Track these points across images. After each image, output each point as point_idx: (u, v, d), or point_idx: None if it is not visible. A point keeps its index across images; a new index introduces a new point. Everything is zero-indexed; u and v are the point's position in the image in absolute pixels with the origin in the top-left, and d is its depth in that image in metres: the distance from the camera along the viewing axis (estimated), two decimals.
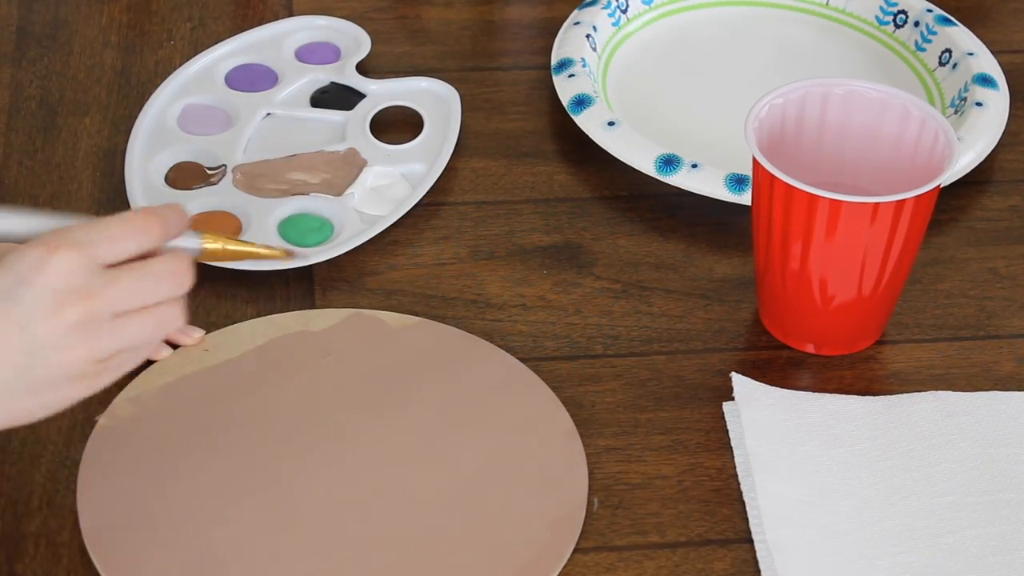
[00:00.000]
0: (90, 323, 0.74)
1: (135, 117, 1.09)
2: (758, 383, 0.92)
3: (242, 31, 1.17)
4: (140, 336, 0.76)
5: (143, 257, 0.77)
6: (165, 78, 1.13)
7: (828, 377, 0.95)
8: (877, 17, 1.18)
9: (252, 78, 1.14)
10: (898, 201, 0.88)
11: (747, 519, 0.86)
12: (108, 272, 0.75)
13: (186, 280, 0.77)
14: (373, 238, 1.01)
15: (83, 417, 0.90)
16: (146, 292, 0.76)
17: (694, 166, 1.04)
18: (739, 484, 0.88)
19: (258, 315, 0.96)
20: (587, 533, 0.86)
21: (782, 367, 0.95)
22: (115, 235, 0.75)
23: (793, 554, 0.84)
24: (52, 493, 0.86)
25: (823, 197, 0.88)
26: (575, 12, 1.17)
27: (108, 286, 0.74)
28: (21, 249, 0.74)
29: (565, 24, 1.17)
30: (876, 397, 0.92)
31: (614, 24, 1.17)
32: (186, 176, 1.06)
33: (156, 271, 0.76)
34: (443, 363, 0.94)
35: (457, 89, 1.12)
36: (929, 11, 1.16)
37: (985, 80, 1.10)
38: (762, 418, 0.90)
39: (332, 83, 1.13)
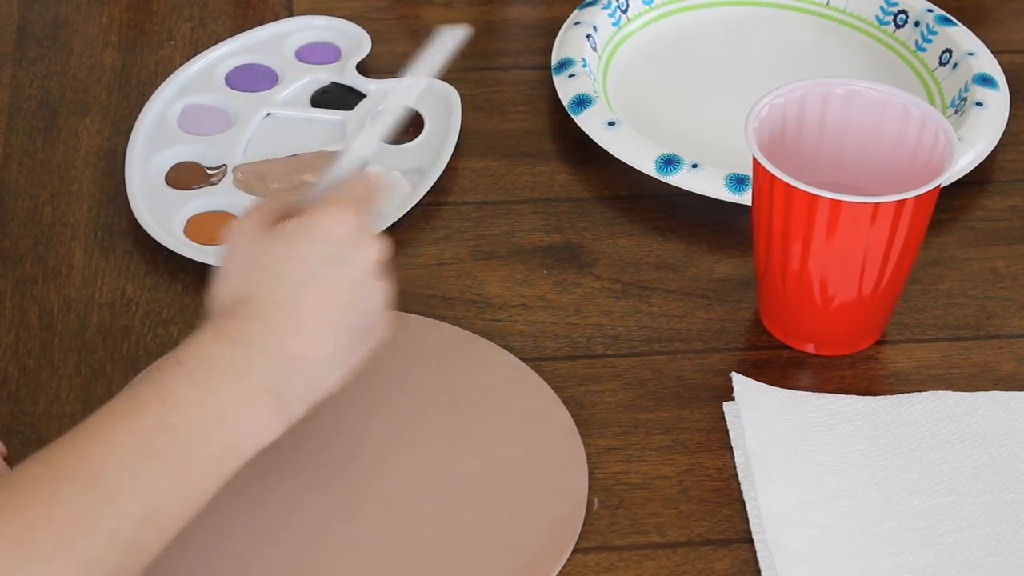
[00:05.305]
0: (382, 259, 0.80)
1: (135, 117, 1.09)
2: (758, 383, 0.92)
3: (242, 31, 1.17)
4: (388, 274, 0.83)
5: None
6: (165, 78, 1.13)
7: (828, 377, 0.95)
8: (877, 17, 1.18)
9: (252, 78, 1.14)
10: (898, 201, 0.88)
11: (747, 519, 0.86)
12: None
13: None
14: None
15: (83, 417, 0.90)
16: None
17: (694, 166, 1.04)
18: (739, 484, 0.88)
19: None
20: (587, 533, 0.86)
21: (782, 367, 0.95)
22: (363, 196, 0.82)
23: (793, 554, 0.84)
24: None
25: (823, 197, 0.88)
26: (575, 12, 1.17)
27: (378, 234, 0.81)
28: (310, 220, 0.79)
29: (565, 24, 1.17)
30: (876, 397, 0.92)
31: (614, 24, 1.17)
32: (186, 176, 1.06)
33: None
34: (443, 363, 0.94)
35: (457, 89, 1.12)
36: (929, 11, 1.16)
37: (985, 80, 1.10)
38: (762, 418, 0.90)
39: (332, 83, 1.13)
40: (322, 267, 0.78)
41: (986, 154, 1.07)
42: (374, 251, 0.79)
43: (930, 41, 1.15)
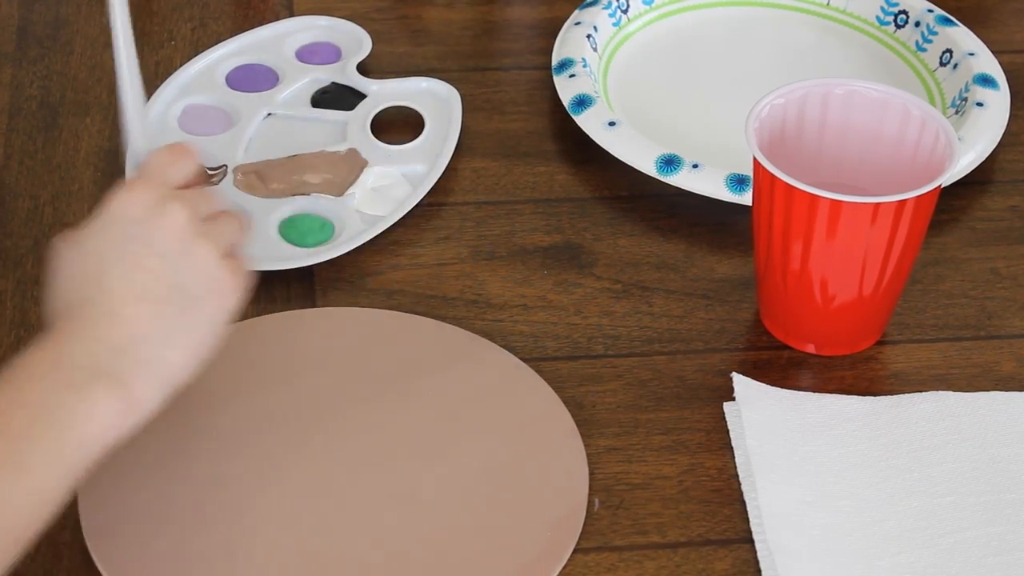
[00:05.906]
0: (193, 220, 0.79)
1: None
2: (759, 383, 0.92)
3: (243, 31, 1.17)
4: (231, 229, 0.81)
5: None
6: (166, 78, 1.13)
7: (829, 377, 0.95)
8: (878, 17, 1.18)
9: (253, 78, 1.14)
10: (899, 201, 0.88)
11: (748, 519, 0.86)
12: (178, 190, 0.81)
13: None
14: (374, 238, 1.01)
15: None
16: (213, 199, 0.82)
17: (695, 166, 1.04)
18: (740, 484, 0.88)
19: (258, 315, 0.96)
20: (588, 533, 0.86)
21: (783, 367, 0.95)
22: (164, 162, 0.82)
23: (794, 554, 0.84)
24: None
25: (824, 197, 0.88)
26: (576, 12, 1.17)
27: (186, 193, 0.80)
28: (101, 213, 0.79)
29: (566, 24, 1.17)
30: (877, 397, 0.92)
31: (615, 24, 1.17)
32: None
33: (208, 190, 0.83)
34: (444, 363, 0.94)
35: (458, 89, 1.12)
36: (930, 11, 1.16)
37: (986, 80, 1.10)
38: (763, 418, 0.90)
39: (333, 83, 1.13)
40: (122, 248, 0.77)
41: (986, 154, 1.07)
42: (178, 217, 0.78)
43: (930, 41, 1.15)
